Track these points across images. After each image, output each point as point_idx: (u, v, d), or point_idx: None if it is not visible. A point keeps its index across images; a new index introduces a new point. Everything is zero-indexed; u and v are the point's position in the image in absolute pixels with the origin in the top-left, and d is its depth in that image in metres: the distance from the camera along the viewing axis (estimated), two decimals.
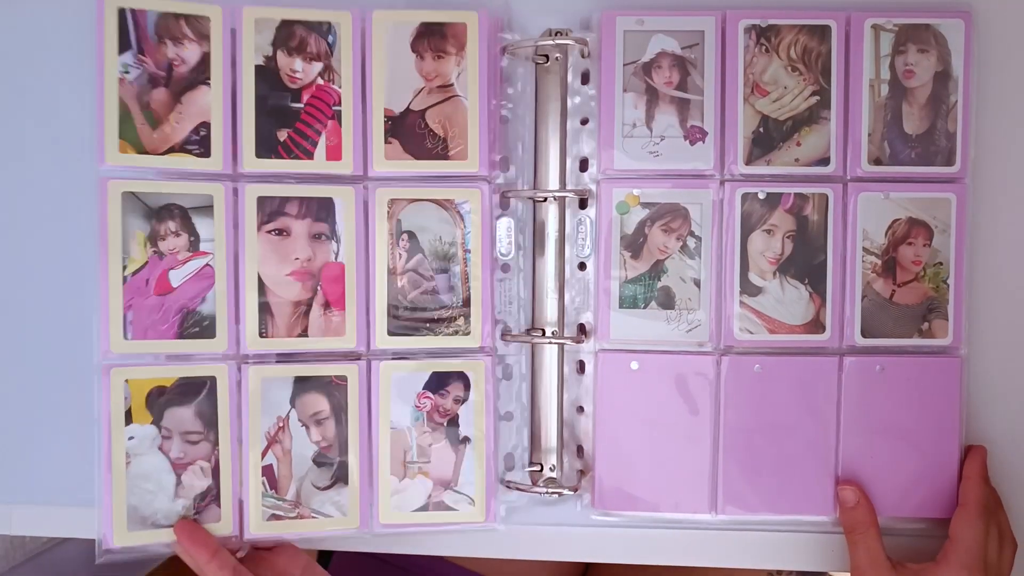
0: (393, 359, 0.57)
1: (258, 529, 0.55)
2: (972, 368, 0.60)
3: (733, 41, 0.59)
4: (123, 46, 0.55)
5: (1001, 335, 0.61)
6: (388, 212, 0.57)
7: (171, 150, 0.55)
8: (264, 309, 0.55)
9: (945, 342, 0.59)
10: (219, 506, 0.55)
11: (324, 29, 0.56)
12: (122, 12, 0.55)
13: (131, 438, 0.54)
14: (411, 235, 0.57)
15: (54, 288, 0.60)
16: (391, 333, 0.57)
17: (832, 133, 0.59)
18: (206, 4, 0.56)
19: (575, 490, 0.60)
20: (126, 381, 0.54)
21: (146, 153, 0.55)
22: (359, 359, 0.57)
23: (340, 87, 0.57)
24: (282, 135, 0.56)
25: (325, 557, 0.82)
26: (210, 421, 0.55)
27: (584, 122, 0.60)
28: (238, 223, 0.55)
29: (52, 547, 0.77)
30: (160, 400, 0.54)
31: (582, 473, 0.61)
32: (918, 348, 0.60)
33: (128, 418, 0.54)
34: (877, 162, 0.59)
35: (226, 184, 0.56)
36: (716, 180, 0.59)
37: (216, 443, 0.55)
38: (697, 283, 0.59)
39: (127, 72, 0.55)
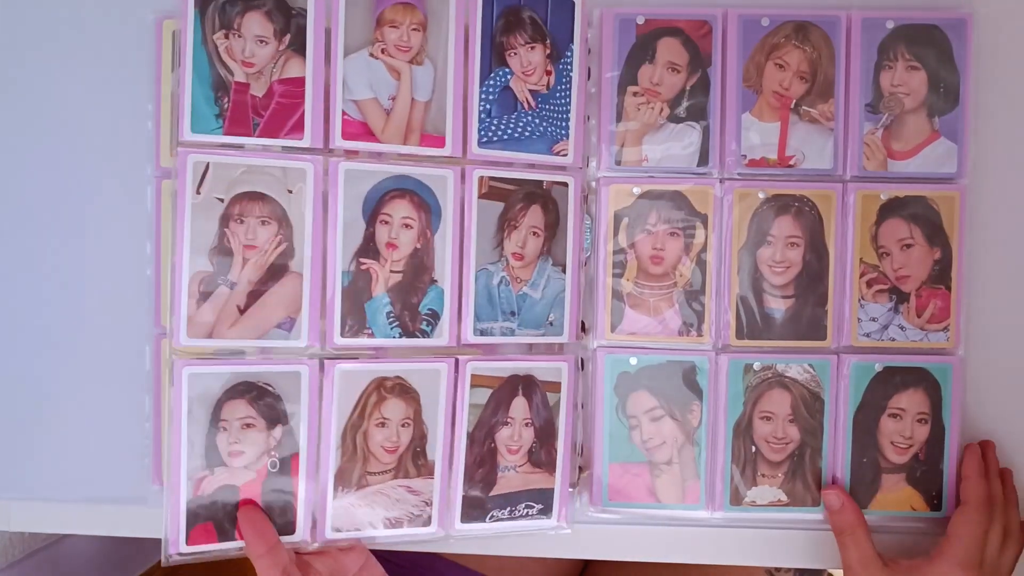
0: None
1: None
2: (970, 369, 0.58)
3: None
4: (174, 64, 0.62)
5: (1000, 336, 0.58)
6: None
7: None
8: None
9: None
10: None
11: None
12: (174, 34, 0.62)
13: None
14: None
15: (57, 288, 0.61)
16: None
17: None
18: None
19: (574, 486, 0.59)
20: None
21: None
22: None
23: None
24: None
25: None
26: None
27: (585, 119, 0.60)
28: None
29: (51, 543, 0.75)
30: None
31: (581, 469, 0.60)
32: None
33: None
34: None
35: None
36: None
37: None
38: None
39: (178, 86, 0.62)
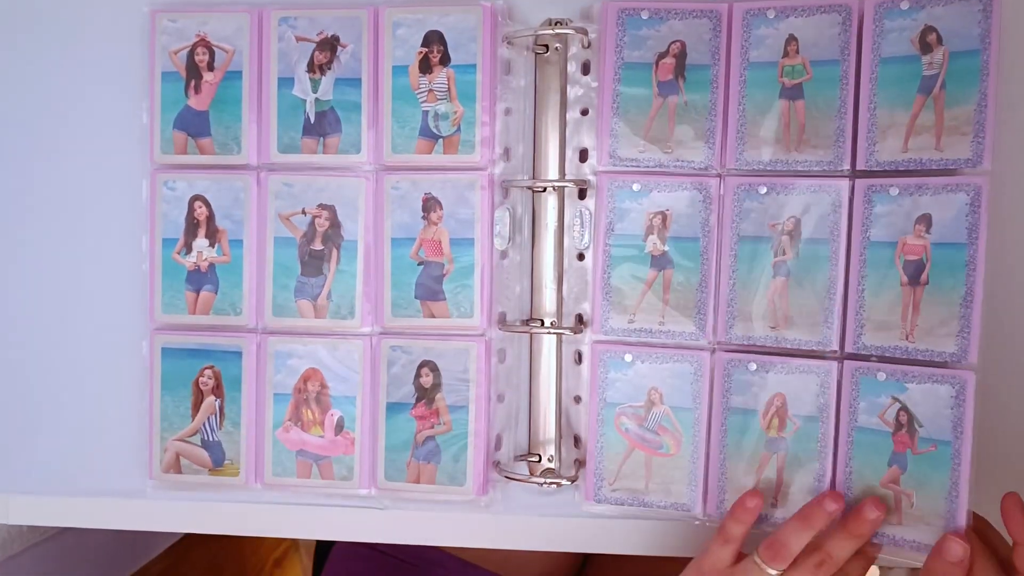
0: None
1: None
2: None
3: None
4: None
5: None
6: None
7: None
8: None
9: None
10: None
11: None
12: None
13: None
14: None
15: (53, 286, 0.63)
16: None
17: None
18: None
19: (573, 480, 0.60)
20: None
21: None
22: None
23: None
24: None
25: (325, 549, 0.83)
26: None
27: (584, 112, 0.60)
28: None
29: (50, 537, 0.77)
30: None
31: (579, 463, 0.61)
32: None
33: None
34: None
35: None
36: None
37: None
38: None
39: None
